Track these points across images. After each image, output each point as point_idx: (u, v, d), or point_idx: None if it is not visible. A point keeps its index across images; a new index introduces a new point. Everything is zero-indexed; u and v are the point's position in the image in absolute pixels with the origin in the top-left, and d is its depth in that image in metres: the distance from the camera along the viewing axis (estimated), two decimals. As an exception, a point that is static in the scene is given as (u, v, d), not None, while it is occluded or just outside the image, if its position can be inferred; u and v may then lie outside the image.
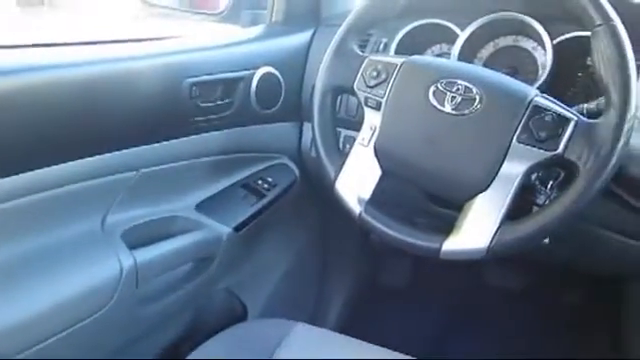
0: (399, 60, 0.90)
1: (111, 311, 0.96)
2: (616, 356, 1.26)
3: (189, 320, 1.21)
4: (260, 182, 1.24)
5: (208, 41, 1.13)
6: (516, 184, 0.79)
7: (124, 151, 0.98)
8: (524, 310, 1.56)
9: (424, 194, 1.08)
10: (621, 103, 0.75)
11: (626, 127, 0.75)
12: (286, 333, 0.96)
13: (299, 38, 1.24)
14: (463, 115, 0.82)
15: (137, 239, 1.02)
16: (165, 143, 1.05)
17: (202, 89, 1.06)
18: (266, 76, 1.16)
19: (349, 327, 1.53)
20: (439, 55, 1.16)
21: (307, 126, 1.27)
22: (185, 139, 1.08)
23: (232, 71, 1.11)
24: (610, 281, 1.17)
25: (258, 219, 1.20)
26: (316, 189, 1.27)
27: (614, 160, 0.74)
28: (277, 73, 1.18)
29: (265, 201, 1.21)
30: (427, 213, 1.10)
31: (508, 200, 0.79)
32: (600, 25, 0.77)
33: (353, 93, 0.93)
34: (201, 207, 1.15)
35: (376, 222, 0.88)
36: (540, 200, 0.89)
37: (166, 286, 1.08)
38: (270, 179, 1.25)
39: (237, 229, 1.16)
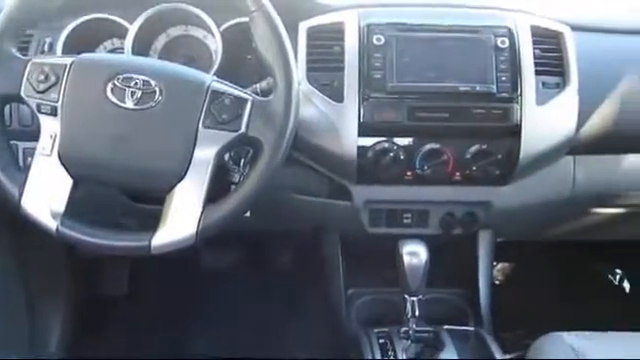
0: (67, 60, 0.84)
1: None
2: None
3: None
4: None
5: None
6: (211, 167, 0.82)
7: None
8: (246, 283, 1.65)
9: (124, 194, 1.06)
10: (285, 79, 0.83)
11: (294, 101, 0.83)
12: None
13: None
14: (146, 109, 0.82)
15: None
16: None
17: None
18: None
19: (74, 349, 1.42)
20: (112, 51, 1.13)
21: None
22: None
23: None
24: (311, 237, 1.31)
25: None
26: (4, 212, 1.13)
27: (289, 131, 0.83)
28: None
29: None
30: (132, 213, 1.08)
31: (206, 184, 0.82)
32: (255, 11, 0.84)
33: (22, 101, 0.85)
34: None
35: (76, 233, 0.83)
36: (235, 178, 0.95)
37: None
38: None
39: None
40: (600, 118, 1.08)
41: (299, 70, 1.00)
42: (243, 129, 0.82)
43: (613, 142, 1.11)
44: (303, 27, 1.04)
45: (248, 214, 0.93)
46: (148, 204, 1.04)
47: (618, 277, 1.72)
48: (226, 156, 0.95)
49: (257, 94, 0.88)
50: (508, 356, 1.09)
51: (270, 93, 0.85)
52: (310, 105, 1.01)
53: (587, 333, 0.96)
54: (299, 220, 1.20)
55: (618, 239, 1.36)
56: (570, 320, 1.00)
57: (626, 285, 1.71)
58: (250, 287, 1.64)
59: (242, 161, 0.98)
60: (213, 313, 1.60)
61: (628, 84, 1.09)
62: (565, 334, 0.95)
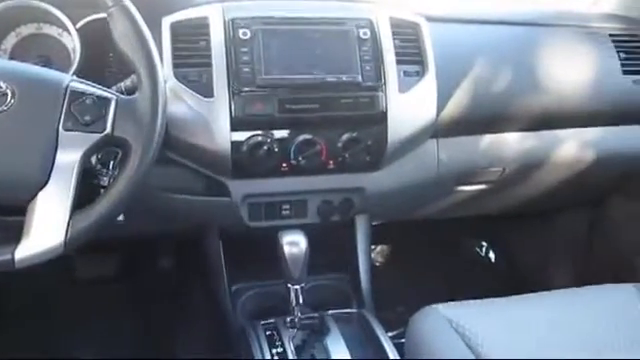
0: None
1: None
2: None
3: None
4: None
5: None
6: (76, 172, 0.78)
7: None
8: (127, 290, 1.59)
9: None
10: (150, 76, 0.81)
11: (161, 98, 0.81)
12: None
13: None
14: None
15: None
16: None
17: None
18: None
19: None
20: (-43, 52, 1.03)
21: None
22: None
23: None
24: (192, 236, 1.29)
25: None
26: None
27: (158, 130, 0.80)
28: None
29: None
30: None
31: (72, 189, 0.78)
32: (112, 7, 0.81)
33: None
34: None
35: None
36: (105, 182, 0.91)
37: None
38: None
39: None
40: (457, 103, 1.16)
41: (165, 67, 0.98)
42: (108, 130, 0.79)
43: (470, 124, 1.20)
44: (166, 22, 1.02)
45: (122, 218, 0.89)
46: (9, 215, 0.97)
47: (484, 249, 1.87)
48: (93, 159, 0.90)
49: (122, 93, 0.85)
50: (390, 333, 1.14)
51: (135, 91, 0.83)
52: (179, 102, 0.99)
53: (460, 303, 1.04)
54: (177, 220, 1.17)
55: (481, 213, 1.47)
56: (445, 293, 1.07)
57: (491, 256, 1.86)
58: (131, 294, 1.58)
59: (111, 163, 0.94)
60: (93, 324, 1.52)
61: (480, 70, 1.18)
62: (440, 306, 1.02)
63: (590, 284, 1.08)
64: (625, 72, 1.27)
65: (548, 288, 1.09)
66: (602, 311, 1.01)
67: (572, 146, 1.29)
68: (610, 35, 1.30)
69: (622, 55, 1.27)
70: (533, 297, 1.06)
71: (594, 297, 1.05)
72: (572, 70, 1.25)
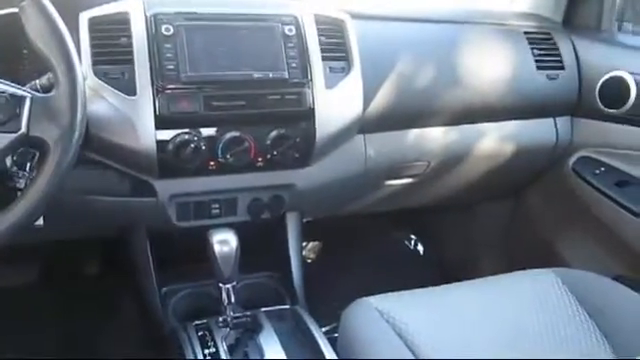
0: None
1: None
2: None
3: None
4: None
5: None
6: (-12, 174, 0.74)
7: None
8: (50, 298, 1.52)
9: None
10: (67, 73, 0.77)
11: (79, 96, 0.78)
12: None
13: None
14: None
15: None
16: None
17: None
18: None
19: None
20: None
21: None
22: None
23: None
24: (118, 239, 1.25)
25: None
26: None
27: (77, 129, 0.77)
28: None
29: None
30: None
31: (-16, 193, 0.74)
32: (24, 1, 0.77)
33: None
34: None
35: None
36: (21, 184, 0.87)
37: None
38: None
39: None
40: (382, 98, 1.18)
41: (83, 64, 0.94)
42: (23, 129, 0.76)
43: (395, 119, 1.23)
44: (84, 18, 0.98)
45: (41, 222, 0.85)
46: None
47: (413, 242, 1.91)
48: (8, 160, 0.86)
49: (37, 91, 0.81)
50: (325, 328, 1.15)
51: (52, 89, 0.79)
52: (100, 100, 0.96)
53: (390, 294, 1.06)
54: (101, 223, 1.13)
55: (408, 207, 1.50)
56: (378, 286, 1.09)
57: (420, 248, 1.90)
58: (57, 300, 1.51)
59: (28, 165, 0.90)
60: (17, 333, 1.45)
61: (404, 67, 1.21)
62: (372, 298, 1.03)
63: (513, 271, 1.13)
64: (539, 68, 1.33)
65: (474, 277, 1.13)
66: (524, 296, 1.05)
67: (492, 139, 1.34)
68: (525, 33, 1.36)
69: (536, 52, 1.34)
70: (459, 286, 1.10)
71: (516, 283, 1.09)
72: (491, 66, 1.30)
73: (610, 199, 1.31)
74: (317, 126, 1.08)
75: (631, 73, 1.27)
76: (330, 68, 1.10)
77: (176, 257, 1.25)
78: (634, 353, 0.93)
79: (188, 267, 1.24)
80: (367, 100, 1.15)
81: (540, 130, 1.40)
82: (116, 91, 0.96)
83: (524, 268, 1.13)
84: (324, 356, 1.02)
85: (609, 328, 0.98)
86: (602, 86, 1.32)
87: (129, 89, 0.97)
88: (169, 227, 1.12)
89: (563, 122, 1.40)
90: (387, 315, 0.99)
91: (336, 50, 1.11)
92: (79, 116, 0.78)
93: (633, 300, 1.04)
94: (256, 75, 1.04)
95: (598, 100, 1.33)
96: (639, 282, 1.29)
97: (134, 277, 1.23)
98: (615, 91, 1.30)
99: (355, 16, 1.17)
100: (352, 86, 1.11)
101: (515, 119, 1.36)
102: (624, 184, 1.32)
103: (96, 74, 0.96)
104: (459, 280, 1.11)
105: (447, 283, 1.11)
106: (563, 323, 0.99)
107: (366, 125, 1.18)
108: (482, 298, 1.06)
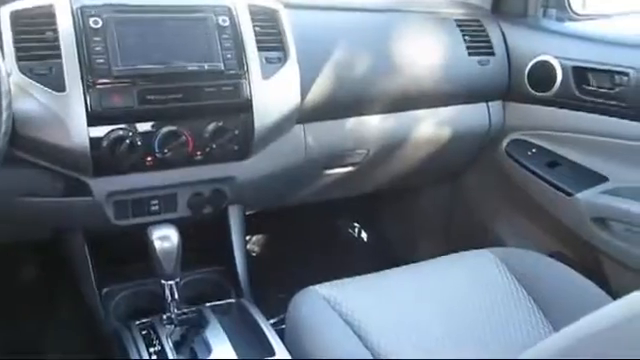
0: None
1: None
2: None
3: None
4: None
5: None
6: None
7: None
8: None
9: None
10: None
11: (3, 94, 0.75)
12: None
13: None
14: None
15: None
16: None
17: None
18: None
19: None
20: None
21: None
22: None
23: None
24: (53, 241, 1.20)
25: None
26: None
27: (2, 128, 0.75)
28: None
29: None
30: None
31: None
32: None
33: None
34: None
35: None
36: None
37: None
38: None
39: None
40: (320, 87, 1.19)
41: (7, 59, 0.90)
42: None
43: (333, 108, 1.24)
44: (5, 11, 0.94)
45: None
46: None
47: (357, 229, 1.94)
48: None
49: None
50: (272, 320, 1.15)
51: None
52: (27, 97, 0.92)
53: (336, 282, 1.07)
54: (34, 225, 1.09)
55: (350, 195, 1.52)
56: (324, 275, 1.10)
57: (364, 235, 1.93)
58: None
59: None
60: None
61: (340, 56, 1.22)
62: (317, 287, 1.04)
63: (453, 252, 1.16)
64: (470, 54, 1.36)
65: (417, 260, 1.15)
66: (463, 277, 1.08)
67: (428, 125, 1.37)
68: (456, 20, 1.39)
69: (467, 38, 1.37)
70: (402, 270, 1.12)
71: (455, 264, 1.13)
72: (424, 54, 1.32)
73: (542, 179, 1.36)
74: (255, 117, 1.08)
75: (556, 57, 1.32)
76: (266, 58, 1.09)
77: (116, 257, 1.22)
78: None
79: (130, 266, 1.21)
80: (304, 90, 1.15)
81: (474, 115, 1.44)
82: (44, 87, 0.93)
83: (465, 249, 1.16)
84: (272, 347, 1.02)
85: (547, 304, 1.02)
86: (530, 70, 1.36)
87: (58, 85, 0.94)
88: (107, 226, 1.09)
89: (495, 106, 1.45)
90: (333, 302, 1.00)
91: (271, 40, 1.10)
92: (4, 114, 0.75)
93: (569, 275, 1.09)
94: (191, 67, 1.02)
95: (527, 84, 1.38)
96: (574, 258, 1.36)
97: (73, 280, 1.19)
98: (543, 75, 1.34)
99: (289, 6, 1.17)
100: (289, 76, 1.11)
101: (450, 105, 1.39)
102: (554, 164, 1.37)
103: (21, 70, 0.92)
104: (403, 264, 1.14)
105: (391, 268, 1.12)
106: (502, 301, 1.03)
107: (305, 115, 1.19)
108: (424, 280, 1.08)
